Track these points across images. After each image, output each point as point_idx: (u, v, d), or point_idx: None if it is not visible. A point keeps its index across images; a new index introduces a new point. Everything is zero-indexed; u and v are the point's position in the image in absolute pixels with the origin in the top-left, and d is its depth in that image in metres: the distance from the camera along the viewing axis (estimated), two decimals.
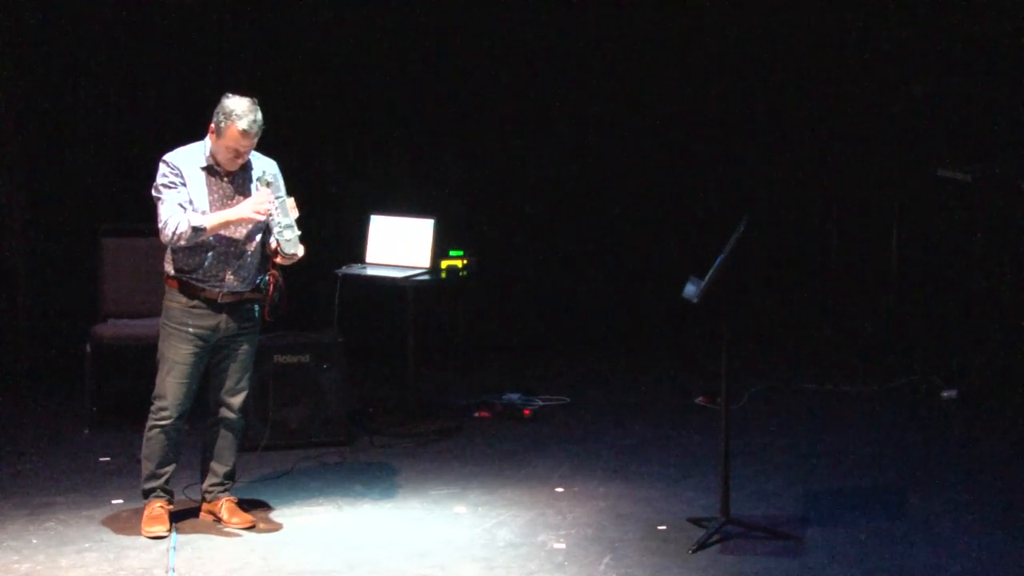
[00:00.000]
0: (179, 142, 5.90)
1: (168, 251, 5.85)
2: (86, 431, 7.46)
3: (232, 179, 5.85)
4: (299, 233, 5.79)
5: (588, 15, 9.58)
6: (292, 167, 6.14)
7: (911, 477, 6.74)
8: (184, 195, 5.75)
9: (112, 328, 7.59)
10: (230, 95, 5.73)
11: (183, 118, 7.34)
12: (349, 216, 8.23)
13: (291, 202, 5.81)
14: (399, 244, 7.69)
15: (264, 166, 5.90)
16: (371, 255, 7.74)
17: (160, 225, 5.73)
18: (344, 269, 7.65)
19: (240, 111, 5.68)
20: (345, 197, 8.89)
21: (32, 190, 8.60)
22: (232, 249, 5.83)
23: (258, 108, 5.73)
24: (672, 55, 9.74)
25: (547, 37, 9.52)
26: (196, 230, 5.69)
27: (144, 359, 6.40)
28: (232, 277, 5.84)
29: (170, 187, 5.74)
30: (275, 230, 5.76)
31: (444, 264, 7.64)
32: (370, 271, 7.67)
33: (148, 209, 5.85)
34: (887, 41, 9.38)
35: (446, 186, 9.34)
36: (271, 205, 5.73)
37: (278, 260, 5.83)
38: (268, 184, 5.78)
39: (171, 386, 5.84)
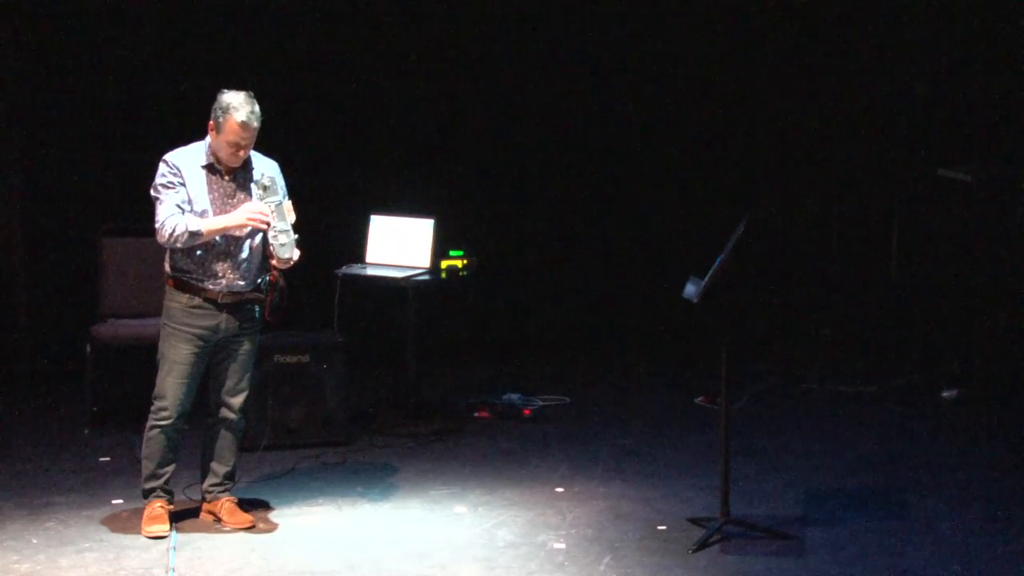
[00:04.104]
0: (178, 142, 5.89)
1: (168, 250, 5.85)
2: (86, 431, 7.45)
3: (233, 177, 5.84)
4: (296, 237, 5.78)
5: (587, 14, 9.57)
6: (292, 167, 6.13)
7: (911, 477, 6.74)
8: (183, 195, 5.74)
9: (112, 328, 7.59)
10: (226, 90, 5.74)
11: (183, 118, 7.32)
12: (349, 216, 8.22)
13: (288, 205, 5.80)
14: (399, 244, 7.69)
15: (265, 167, 5.90)
16: (371, 255, 7.74)
17: (157, 226, 5.72)
18: (344, 269, 7.65)
19: (237, 103, 5.68)
20: (345, 197, 8.89)
21: (32, 190, 8.60)
22: (232, 248, 5.82)
23: (255, 100, 5.73)
24: (672, 54, 9.73)
25: (547, 37, 9.52)
26: (193, 234, 5.69)
27: (144, 359, 6.39)
28: (232, 275, 5.83)
29: (169, 187, 5.74)
30: (270, 234, 5.75)
31: (444, 264, 7.64)
32: (370, 271, 7.67)
33: (148, 209, 5.85)
34: (888, 40, 9.38)
35: (446, 186, 9.33)
36: (269, 215, 5.73)
37: (273, 263, 5.83)
38: (265, 188, 5.77)
39: (171, 386, 5.84)
